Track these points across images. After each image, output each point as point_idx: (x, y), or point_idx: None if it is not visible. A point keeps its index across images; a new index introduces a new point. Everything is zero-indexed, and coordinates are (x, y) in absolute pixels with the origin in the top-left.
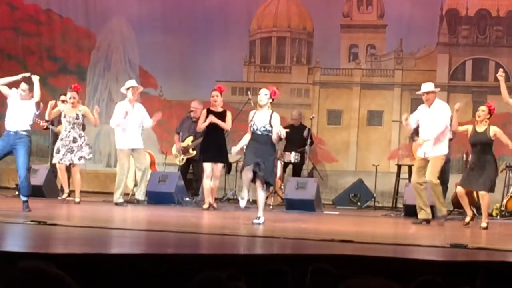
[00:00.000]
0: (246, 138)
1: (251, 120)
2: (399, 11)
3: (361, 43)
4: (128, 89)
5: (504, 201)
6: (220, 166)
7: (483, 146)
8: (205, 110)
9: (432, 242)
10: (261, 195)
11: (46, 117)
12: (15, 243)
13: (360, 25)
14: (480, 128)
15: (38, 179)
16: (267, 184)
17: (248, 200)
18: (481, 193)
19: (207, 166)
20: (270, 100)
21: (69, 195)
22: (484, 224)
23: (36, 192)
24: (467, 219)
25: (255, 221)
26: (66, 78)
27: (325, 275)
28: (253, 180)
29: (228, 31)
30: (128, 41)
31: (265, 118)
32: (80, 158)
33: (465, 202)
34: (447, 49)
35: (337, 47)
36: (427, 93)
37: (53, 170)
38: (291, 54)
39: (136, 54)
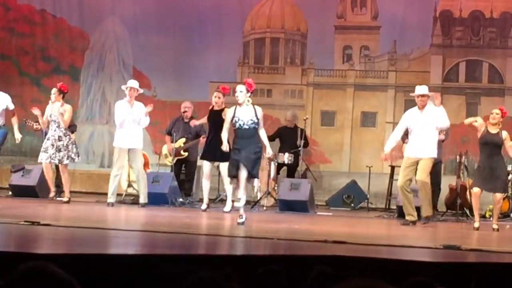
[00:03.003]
0: (225, 135)
1: (234, 117)
2: (393, 13)
3: (355, 44)
4: (127, 88)
5: None
6: (225, 164)
7: (495, 147)
8: (209, 108)
9: (425, 244)
10: (242, 175)
11: (42, 126)
12: (9, 244)
13: (354, 26)
14: (493, 130)
15: (31, 180)
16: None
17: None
18: (497, 198)
19: (206, 167)
20: (248, 95)
21: (56, 194)
22: (495, 226)
23: (29, 192)
24: (476, 224)
25: (236, 204)
26: (60, 78)
27: (326, 277)
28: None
29: (222, 31)
30: (122, 42)
31: (250, 112)
32: (68, 157)
33: (476, 205)
34: (440, 50)
35: (331, 48)
36: (423, 96)
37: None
38: (285, 55)
39: (130, 54)
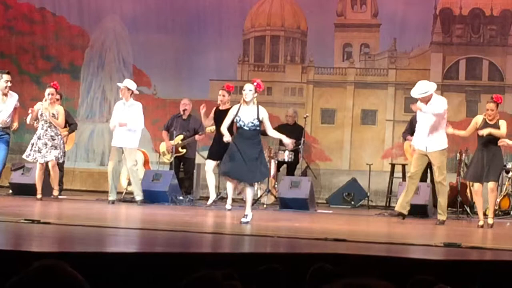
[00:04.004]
0: (224, 128)
1: (236, 115)
2: (393, 10)
3: (355, 42)
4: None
5: (498, 200)
6: None
7: (492, 137)
8: (214, 109)
9: (426, 241)
10: (248, 192)
11: (28, 122)
12: (9, 242)
13: (354, 24)
14: (491, 121)
15: (31, 178)
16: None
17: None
18: (491, 186)
19: (209, 164)
20: (256, 95)
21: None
22: (490, 221)
23: (29, 190)
24: (481, 222)
25: (243, 219)
26: (60, 76)
27: (326, 275)
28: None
29: (222, 29)
30: (121, 40)
31: (252, 113)
32: (63, 155)
33: (479, 202)
34: (441, 48)
35: (331, 46)
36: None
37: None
38: (285, 53)
39: (129, 52)
